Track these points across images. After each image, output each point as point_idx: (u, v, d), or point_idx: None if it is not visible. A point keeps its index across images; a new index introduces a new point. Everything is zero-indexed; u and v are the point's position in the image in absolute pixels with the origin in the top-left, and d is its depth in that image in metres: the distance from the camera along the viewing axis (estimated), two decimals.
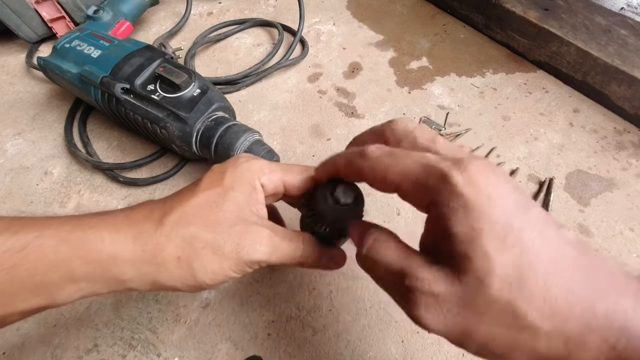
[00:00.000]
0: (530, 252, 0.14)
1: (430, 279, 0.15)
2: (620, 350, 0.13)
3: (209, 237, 0.20)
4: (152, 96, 0.36)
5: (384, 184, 0.18)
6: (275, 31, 0.57)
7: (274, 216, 0.28)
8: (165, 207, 0.21)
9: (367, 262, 0.19)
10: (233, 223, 0.20)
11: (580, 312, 0.13)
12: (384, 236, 0.19)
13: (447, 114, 0.46)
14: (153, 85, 0.37)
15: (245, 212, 0.21)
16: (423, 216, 0.17)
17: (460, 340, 0.15)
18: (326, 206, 0.22)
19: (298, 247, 0.22)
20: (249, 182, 0.22)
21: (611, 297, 0.13)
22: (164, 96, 0.36)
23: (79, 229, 0.18)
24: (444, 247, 0.15)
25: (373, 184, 0.19)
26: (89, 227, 0.19)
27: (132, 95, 0.37)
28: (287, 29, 0.56)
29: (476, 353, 0.15)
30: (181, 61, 0.52)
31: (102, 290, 0.19)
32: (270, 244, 0.21)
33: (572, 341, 0.13)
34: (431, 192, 0.15)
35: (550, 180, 0.39)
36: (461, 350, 0.30)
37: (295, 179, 0.23)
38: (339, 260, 0.25)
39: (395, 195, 0.18)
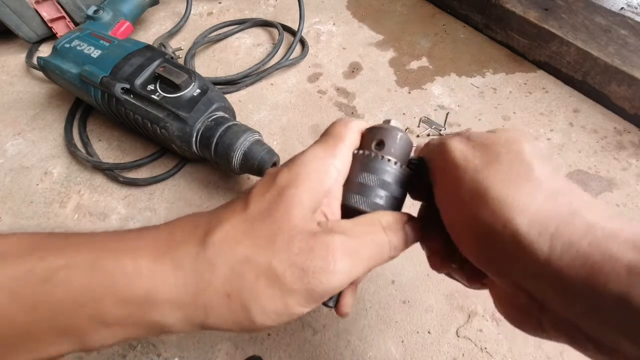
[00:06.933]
0: None
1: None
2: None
3: (263, 261, 0.15)
4: (152, 96, 0.36)
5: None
6: (275, 31, 0.57)
7: None
8: (211, 221, 0.17)
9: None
10: (292, 237, 0.16)
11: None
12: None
13: (447, 114, 0.46)
14: (153, 85, 0.37)
15: (307, 216, 0.17)
16: None
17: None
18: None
19: (385, 239, 0.17)
20: (308, 174, 0.17)
21: None
22: (164, 96, 0.36)
23: (113, 254, 0.15)
24: None
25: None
26: (125, 251, 0.15)
27: (132, 95, 0.37)
28: (287, 29, 0.56)
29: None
30: (181, 61, 0.52)
31: (140, 334, 0.15)
32: (347, 257, 0.16)
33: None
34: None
35: None
36: (461, 351, 0.30)
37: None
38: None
39: None
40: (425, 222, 0.20)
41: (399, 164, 0.20)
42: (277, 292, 0.15)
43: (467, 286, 0.20)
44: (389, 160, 0.20)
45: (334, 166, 0.18)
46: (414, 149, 0.22)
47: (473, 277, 0.20)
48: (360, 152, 0.20)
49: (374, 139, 0.20)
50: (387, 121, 0.21)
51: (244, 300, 0.15)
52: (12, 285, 0.14)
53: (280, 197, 0.17)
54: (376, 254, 0.17)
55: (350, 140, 0.19)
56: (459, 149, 0.17)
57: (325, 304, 0.20)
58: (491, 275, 0.16)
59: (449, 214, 0.17)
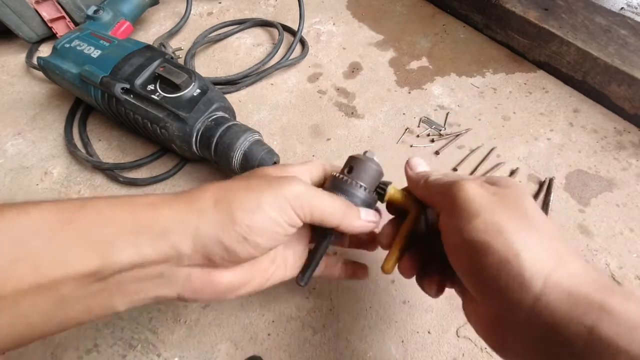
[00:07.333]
0: None
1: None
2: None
3: (241, 182, 0.22)
4: (152, 96, 0.36)
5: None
6: (275, 31, 0.57)
7: None
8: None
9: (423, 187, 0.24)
10: (264, 175, 0.24)
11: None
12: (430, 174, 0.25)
13: (447, 114, 0.46)
14: (153, 85, 0.37)
15: (274, 174, 0.24)
16: None
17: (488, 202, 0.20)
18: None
19: (332, 196, 0.24)
20: (270, 168, 0.26)
21: None
22: (164, 96, 0.36)
23: (127, 196, 0.20)
24: None
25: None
26: (136, 195, 0.21)
27: (132, 95, 0.37)
28: (287, 29, 0.56)
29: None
30: (181, 61, 0.52)
31: (149, 248, 0.18)
32: (304, 183, 0.23)
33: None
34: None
35: (550, 180, 0.39)
36: (460, 351, 0.30)
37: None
38: (377, 219, 0.26)
39: None
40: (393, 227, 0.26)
41: (366, 189, 0.25)
42: (252, 194, 0.21)
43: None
44: (357, 184, 0.25)
45: (288, 171, 0.25)
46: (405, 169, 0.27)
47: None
48: (337, 175, 0.25)
49: (348, 165, 0.26)
50: (366, 152, 0.27)
51: (227, 203, 0.20)
52: (55, 209, 0.18)
53: (253, 173, 0.25)
54: (328, 200, 0.23)
55: (305, 167, 0.27)
56: (475, 189, 0.20)
57: (298, 283, 0.25)
58: (474, 291, 0.20)
59: (453, 237, 0.21)
